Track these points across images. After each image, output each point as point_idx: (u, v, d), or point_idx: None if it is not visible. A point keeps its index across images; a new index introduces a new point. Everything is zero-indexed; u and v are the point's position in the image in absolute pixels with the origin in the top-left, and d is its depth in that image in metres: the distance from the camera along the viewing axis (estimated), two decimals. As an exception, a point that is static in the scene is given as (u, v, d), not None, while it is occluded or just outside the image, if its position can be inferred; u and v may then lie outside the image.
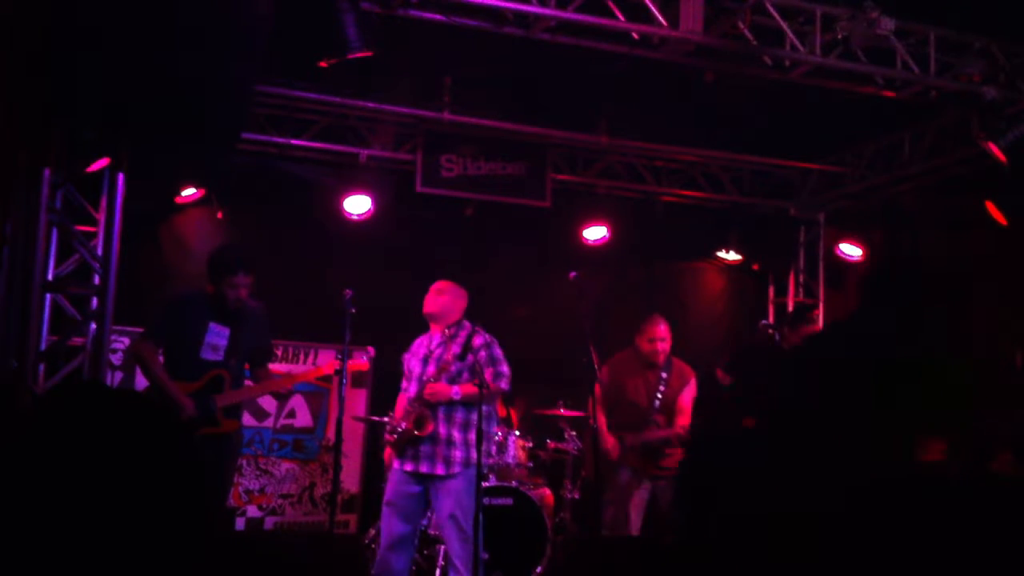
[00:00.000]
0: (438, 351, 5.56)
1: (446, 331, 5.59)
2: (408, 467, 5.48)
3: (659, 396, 6.54)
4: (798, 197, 8.98)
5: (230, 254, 5.47)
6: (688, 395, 6.64)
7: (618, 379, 6.60)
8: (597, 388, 6.40)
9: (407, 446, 5.48)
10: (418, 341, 5.78)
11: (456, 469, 5.41)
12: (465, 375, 5.49)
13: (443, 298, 5.64)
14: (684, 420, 6.55)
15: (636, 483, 6.49)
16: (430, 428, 5.40)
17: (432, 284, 5.75)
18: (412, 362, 5.67)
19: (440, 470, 5.42)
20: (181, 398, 5.21)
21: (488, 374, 5.44)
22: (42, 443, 1.30)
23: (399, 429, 5.49)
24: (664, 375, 6.58)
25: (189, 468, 1.39)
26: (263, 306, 5.69)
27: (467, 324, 5.62)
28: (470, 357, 5.42)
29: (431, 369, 5.53)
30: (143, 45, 4.36)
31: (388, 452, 5.68)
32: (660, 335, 6.58)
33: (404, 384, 5.74)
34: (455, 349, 5.49)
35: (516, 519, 6.44)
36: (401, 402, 5.72)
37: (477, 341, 5.50)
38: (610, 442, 6.45)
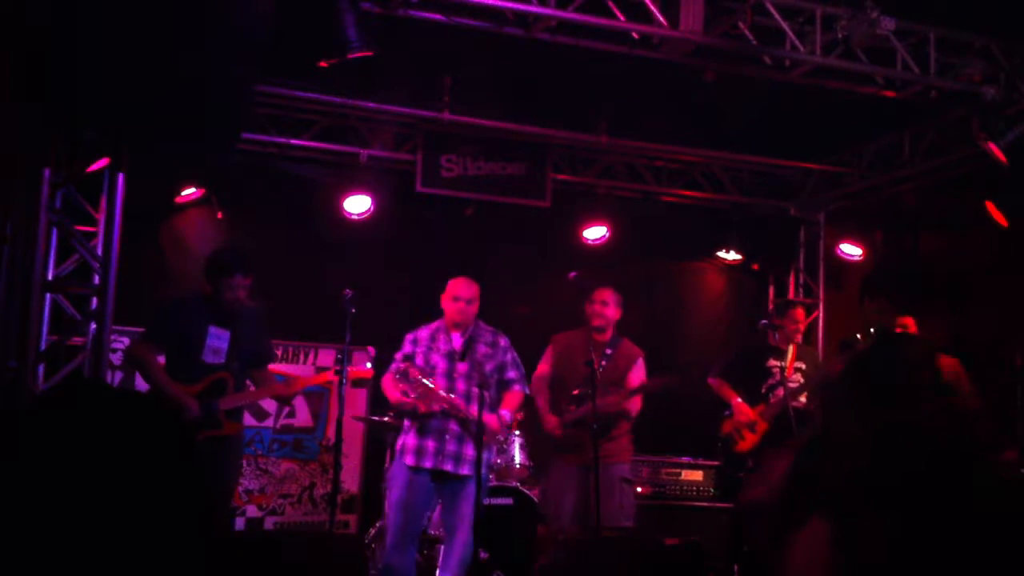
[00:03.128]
0: (465, 349, 5.57)
1: (467, 331, 5.63)
2: (427, 464, 5.42)
3: (601, 370, 6.12)
4: (798, 197, 8.98)
5: (228, 256, 5.45)
6: (636, 376, 6.36)
7: (564, 355, 6.39)
8: (540, 368, 6.38)
9: (429, 438, 5.43)
10: (430, 330, 5.68)
11: (482, 471, 5.37)
12: (495, 377, 5.61)
13: (473, 307, 5.63)
14: (630, 402, 6.23)
15: (572, 469, 6.16)
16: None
17: (459, 289, 5.60)
18: (434, 357, 5.56)
19: (466, 471, 5.42)
20: (185, 399, 5.19)
21: (518, 378, 5.67)
22: (41, 442, 1.29)
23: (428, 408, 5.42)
24: (608, 351, 6.29)
25: (189, 468, 1.38)
26: (261, 306, 5.67)
27: (478, 321, 5.71)
28: (498, 356, 5.61)
29: (463, 367, 5.52)
30: (143, 45, 4.36)
31: (398, 390, 5.49)
32: (603, 298, 6.33)
33: (403, 364, 5.52)
34: (483, 348, 5.59)
35: (516, 519, 6.45)
36: (392, 381, 5.55)
37: (503, 342, 5.69)
38: (552, 421, 6.24)
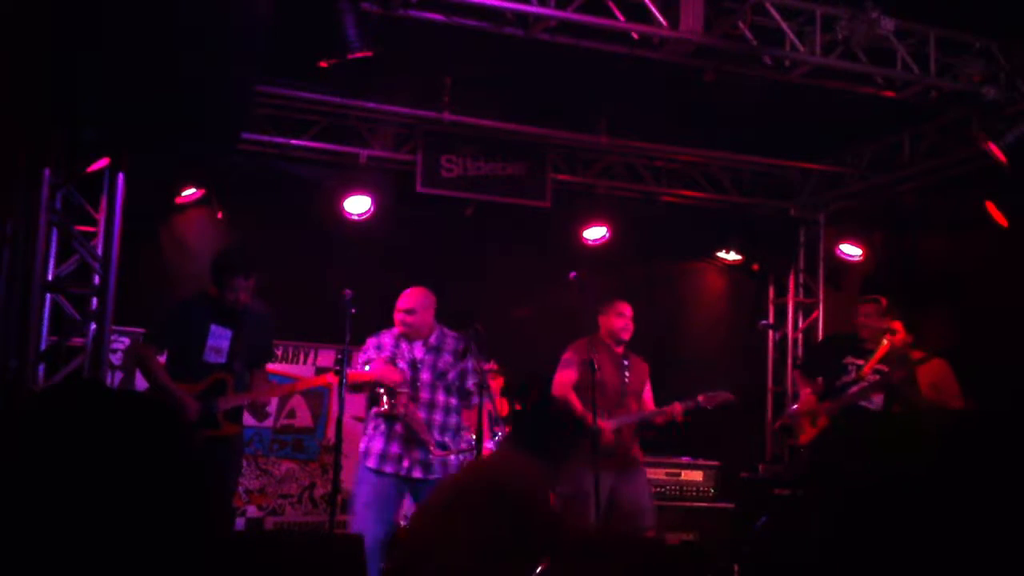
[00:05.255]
0: (428, 358, 5.60)
1: (429, 340, 5.64)
2: (390, 469, 5.46)
3: (627, 379, 6.35)
4: (798, 197, 8.98)
5: (230, 258, 5.49)
6: (648, 387, 6.52)
7: (593, 363, 6.24)
8: (567, 375, 6.29)
9: (394, 443, 5.47)
10: (393, 336, 5.68)
11: (450, 471, 5.55)
12: (457, 382, 5.65)
13: (416, 317, 5.62)
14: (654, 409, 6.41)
15: (595, 473, 5.94)
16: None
17: (400, 301, 5.65)
18: (400, 364, 5.60)
19: (439, 474, 5.50)
20: (185, 399, 5.20)
21: (475, 387, 5.61)
22: (41, 442, 1.29)
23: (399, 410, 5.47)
24: (626, 362, 6.41)
25: (190, 468, 1.38)
26: (268, 309, 5.70)
27: (442, 328, 5.72)
28: (459, 364, 5.62)
29: (426, 376, 5.57)
30: (143, 45, 4.37)
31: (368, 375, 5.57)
32: (625, 310, 6.45)
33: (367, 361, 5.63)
34: (447, 357, 5.62)
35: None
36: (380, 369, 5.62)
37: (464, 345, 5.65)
38: (605, 425, 6.09)
